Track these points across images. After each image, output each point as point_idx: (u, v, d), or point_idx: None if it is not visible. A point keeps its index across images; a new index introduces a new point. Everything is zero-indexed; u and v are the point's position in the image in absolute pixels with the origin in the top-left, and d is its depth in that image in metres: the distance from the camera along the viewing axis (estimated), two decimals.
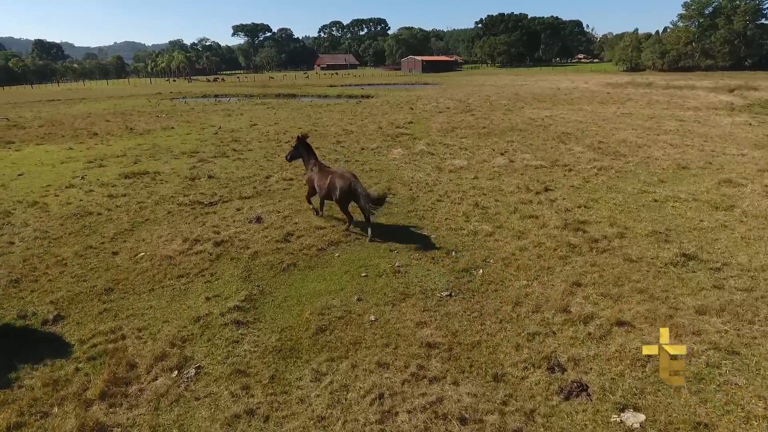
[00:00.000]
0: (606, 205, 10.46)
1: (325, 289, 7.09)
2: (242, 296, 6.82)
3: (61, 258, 8.44)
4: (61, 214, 10.90)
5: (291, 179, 13.49)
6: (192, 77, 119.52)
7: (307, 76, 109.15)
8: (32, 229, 9.94)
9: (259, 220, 10.00)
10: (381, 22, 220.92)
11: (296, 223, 9.78)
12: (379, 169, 14.55)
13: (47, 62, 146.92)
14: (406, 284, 7.10)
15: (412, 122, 24.66)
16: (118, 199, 11.98)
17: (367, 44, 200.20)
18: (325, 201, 9.83)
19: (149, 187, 13.14)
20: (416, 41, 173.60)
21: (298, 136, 10.00)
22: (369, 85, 68.44)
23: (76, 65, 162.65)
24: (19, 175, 14.98)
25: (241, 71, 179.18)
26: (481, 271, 7.42)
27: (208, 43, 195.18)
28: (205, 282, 7.40)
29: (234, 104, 39.28)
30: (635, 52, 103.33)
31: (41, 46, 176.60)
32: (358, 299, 6.70)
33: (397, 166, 14.79)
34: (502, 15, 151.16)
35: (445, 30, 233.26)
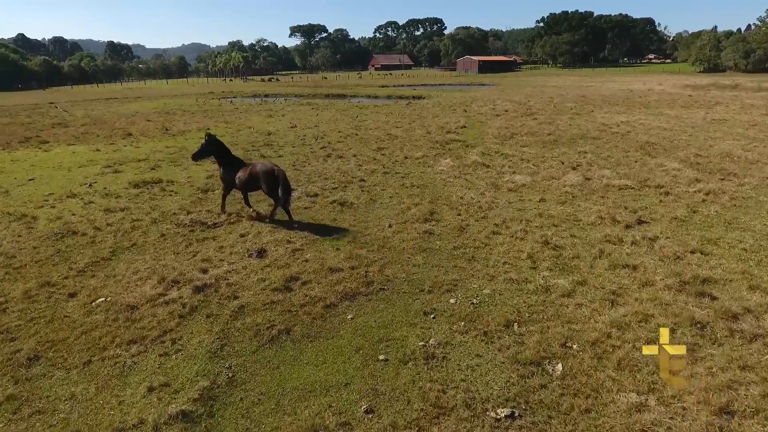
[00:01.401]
0: (731, 251, 7.50)
1: (323, 381, 4.78)
2: (199, 389, 4.63)
3: (4, 300, 6.63)
4: (43, 232, 9.25)
5: (316, 195, 11.34)
6: (248, 77, 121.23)
7: (360, 77, 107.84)
8: None
9: (261, 253, 7.84)
10: (437, 21, 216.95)
11: (306, 261, 7.54)
12: (421, 184, 12.11)
13: (116, 62, 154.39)
14: (443, 384, 4.65)
15: (464, 126, 21.98)
16: (114, 215, 10.25)
17: (422, 44, 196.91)
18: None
19: (155, 199, 11.39)
20: (473, 41, 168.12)
21: (206, 133, 9.86)
22: (422, 85, 65.85)
23: (141, 65, 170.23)
24: (30, 179, 13.77)
25: (297, 71, 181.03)
26: (560, 366, 4.84)
27: (265, 44, 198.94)
28: (161, 355, 5.27)
29: (279, 104, 37.96)
30: (714, 52, 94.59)
31: (113, 47, 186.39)
32: (367, 411, 4.33)
33: (444, 182, 12.28)
34: (565, 13, 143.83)
35: (504, 30, 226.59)
